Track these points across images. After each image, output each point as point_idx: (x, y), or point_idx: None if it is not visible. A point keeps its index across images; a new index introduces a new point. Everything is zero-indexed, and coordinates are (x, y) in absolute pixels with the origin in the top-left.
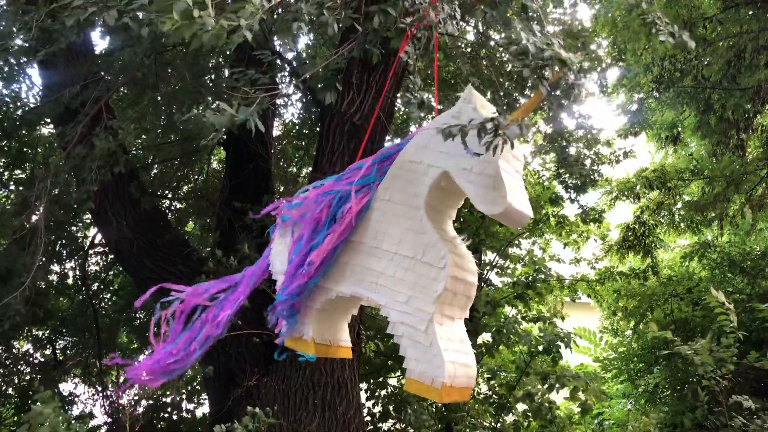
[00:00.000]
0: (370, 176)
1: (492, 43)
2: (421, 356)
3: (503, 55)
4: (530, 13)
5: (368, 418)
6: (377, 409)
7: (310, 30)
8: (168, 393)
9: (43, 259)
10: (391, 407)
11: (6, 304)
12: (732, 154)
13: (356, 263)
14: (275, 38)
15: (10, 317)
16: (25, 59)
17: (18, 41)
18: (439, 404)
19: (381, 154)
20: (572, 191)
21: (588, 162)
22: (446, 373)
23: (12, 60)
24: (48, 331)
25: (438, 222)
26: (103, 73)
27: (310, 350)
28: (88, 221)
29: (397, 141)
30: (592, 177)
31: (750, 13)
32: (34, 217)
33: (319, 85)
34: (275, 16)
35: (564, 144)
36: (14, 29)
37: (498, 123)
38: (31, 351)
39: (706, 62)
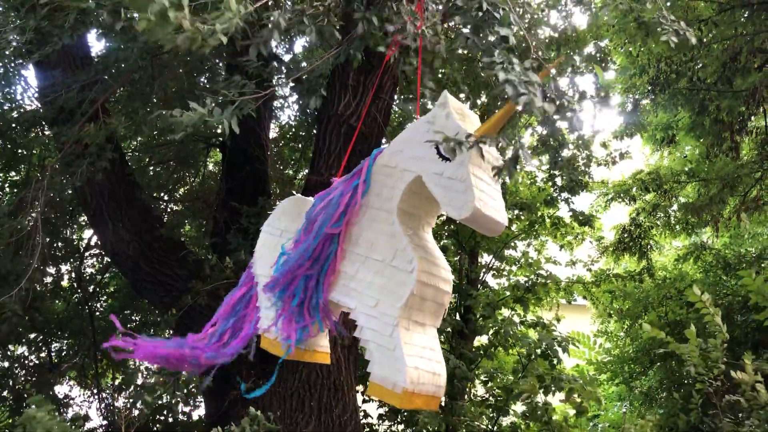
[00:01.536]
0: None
1: (478, 45)
2: (385, 360)
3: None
4: (511, 44)
5: (364, 421)
6: (380, 411)
7: (292, 35)
8: (165, 395)
9: (39, 262)
10: (384, 409)
11: (2, 306)
12: (726, 156)
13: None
14: (258, 48)
15: (6, 319)
16: (21, 61)
17: (13, 42)
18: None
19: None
20: (565, 192)
21: (581, 163)
22: (408, 378)
23: (7, 61)
24: (43, 334)
25: (414, 227)
26: (99, 76)
27: (289, 355)
28: (84, 223)
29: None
30: (583, 179)
31: (745, 15)
32: (30, 219)
33: (305, 91)
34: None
35: (556, 146)
36: (9, 30)
37: (466, 140)
38: (26, 354)
39: (701, 64)
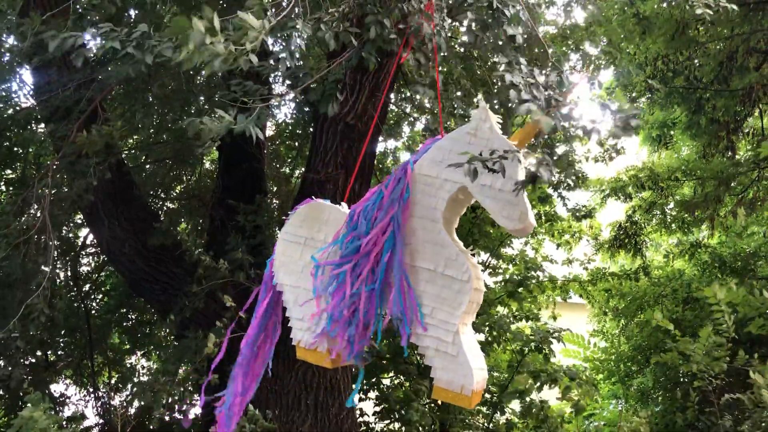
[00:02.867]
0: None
1: (485, 42)
2: (448, 365)
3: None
4: (518, 43)
5: (361, 419)
6: (376, 409)
7: (307, 40)
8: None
9: (51, 261)
10: (381, 408)
11: (26, 308)
12: (721, 156)
13: None
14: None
15: (33, 319)
16: (18, 62)
17: (12, 41)
18: (432, 404)
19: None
20: (562, 187)
21: (575, 157)
22: (475, 380)
23: (6, 65)
24: (39, 332)
25: (450, 233)
26: (95, 74)
27: (326, 362)
28: (80, 221)
29: (390, 141)
30: (580, 175)
31: (743, 15)
32: (36, 219)
33: (318, 99)
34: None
35: (550, 141)
36: (7, 32)
37: (516, 156)
38: (23, 352)
39: (698, 63)
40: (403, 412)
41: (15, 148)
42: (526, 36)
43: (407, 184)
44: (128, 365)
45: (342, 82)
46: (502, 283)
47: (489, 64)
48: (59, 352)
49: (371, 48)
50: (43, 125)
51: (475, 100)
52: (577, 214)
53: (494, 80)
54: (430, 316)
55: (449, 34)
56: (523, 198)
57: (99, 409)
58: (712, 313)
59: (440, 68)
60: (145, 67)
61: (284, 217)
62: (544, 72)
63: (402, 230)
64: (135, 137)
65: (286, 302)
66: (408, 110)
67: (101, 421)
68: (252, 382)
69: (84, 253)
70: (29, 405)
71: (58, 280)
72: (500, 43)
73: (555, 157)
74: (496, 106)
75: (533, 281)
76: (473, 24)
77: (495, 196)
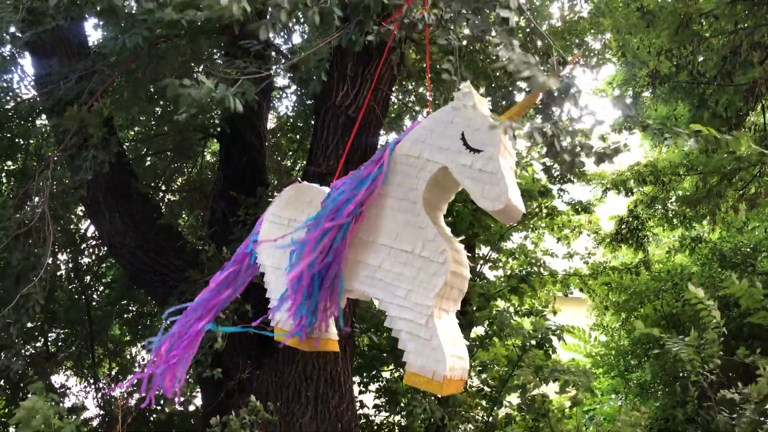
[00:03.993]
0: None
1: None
2: (422, 350)
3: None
4: (511, 25)
5: (361, 411)
6: (375, 402)
7: (297, 20)
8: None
9: (51, 253)
10: (381, 401)
11: (21, 299)
12: (722, 152)
13: (350, 258)
14: (269, 29)
15: (28, 309)
16: (17, 49)
17: (10, 28)
18: (431, 397)
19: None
20: (559, 182)
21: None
22: (447, 366)
23: (4, 50)
24: (39, 323)
25: (433, 217)
26: (97, 66)
27: (301, 344)
28: (81, 213)
29: (392, 135)
30: (579, 165)
31: (746, 12)
32: (36, 212)
33: (304, 77)
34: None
35: (551, 134)
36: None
37: (500, 126)
38: (22, 342)
39: (701, 58)
40: (402, 404)
41: (16, 140)
42: (525, 27)
43: (380, 165)
44: (129, 357)
45: (328, 62)
46: (505, 279)
47: (492, 57)
48: (60, 343)
49: (359, 29)
50: (44, 117)
51: (482, 88)
52: (577, 207)
53: (492, 69)
54: (405, 299)
55: (449, 27)
56: (504, 178)
57: (99, 400)
58: (701, 311)
59: (440, 61)
60: (142, 45)
61: (270, 199)
62: (545, 61)
63: (364, 211)
64: (136, 129)
65: (267, 284)
66: (410, 104)
67: (102, 412)
68: (195, 339)
69: (85, 245)
70: (31, 395)
71: (59, 272)
72: (493, 24)
73: (554, 149)
74: (498, 100)
75: (536, 277)
76: (468, 9)
77: (475, 176)
